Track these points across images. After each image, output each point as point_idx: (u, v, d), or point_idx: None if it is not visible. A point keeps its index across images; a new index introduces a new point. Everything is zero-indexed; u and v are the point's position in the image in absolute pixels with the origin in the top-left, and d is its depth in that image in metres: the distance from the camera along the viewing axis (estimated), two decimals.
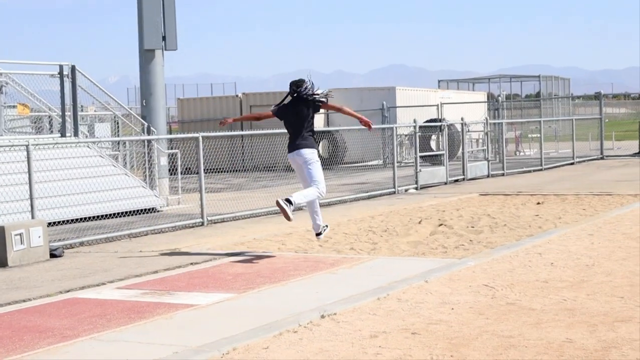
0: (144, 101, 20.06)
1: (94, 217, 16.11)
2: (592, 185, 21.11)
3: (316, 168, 11.89)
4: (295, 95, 11.83)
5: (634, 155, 33.02)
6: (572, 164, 30.25)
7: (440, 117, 32.55)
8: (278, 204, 11.42)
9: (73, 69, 18.25)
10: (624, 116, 67.05)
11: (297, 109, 11.81)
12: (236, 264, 11.28)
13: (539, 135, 30.78)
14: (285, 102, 11.99)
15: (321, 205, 18.20)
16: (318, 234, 12.26)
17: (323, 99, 11.84)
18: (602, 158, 32.61)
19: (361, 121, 12.20)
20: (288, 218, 11.44)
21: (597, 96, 35.73)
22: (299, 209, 16.62)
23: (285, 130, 12.13)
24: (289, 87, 11.95)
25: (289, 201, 11.39)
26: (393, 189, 21.23)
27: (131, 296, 9.39)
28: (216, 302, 8.83)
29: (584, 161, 31.42)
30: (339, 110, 12.47)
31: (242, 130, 32.90)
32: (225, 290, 9.45)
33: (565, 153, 33.88)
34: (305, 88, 11.78)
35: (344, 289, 9.21)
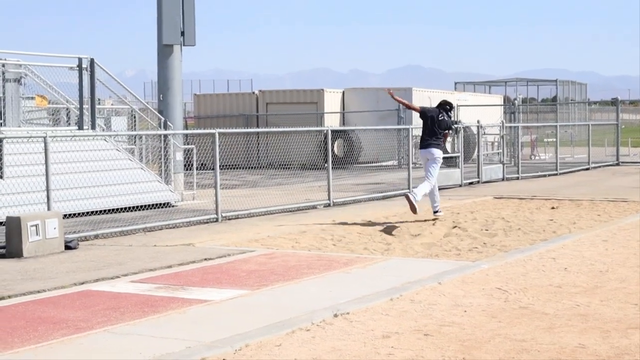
0: (161, 96, 20.13)
1: (109, 210, 16.18)
2: (607, 191, 21.07)
3: (436, 166, 15.44)
4: (441, 110, 15.68)
5: None
6: (587, 169, 30.17)
7: (456, 119, 32.50)
8: (407, 197, 15.02)
9: (92, 62, 18.32)
10: None
11: (439, 119, 15.54)
12: (250, 260, 11.31)
13: (554, 139, 30.71)
14: (432, 109, 16.03)
15: (335, 205, 18.28)
16: (435, 212, 15.53)
17: (451, 128, 16.12)
18: (617, 164, 32.52)
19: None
20: (414, 210, 14.97)
21: (614, 102, 35.62)
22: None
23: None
24: (444, 102, 16.03)
25: (411, 200, 14.91)
26: (408, 190, 21.22)
27: (145, 290, 9.43)
28: (229, 299, 8.86)
29: (599, 167, 31.33)
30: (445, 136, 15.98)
31: (257, 127, 32.97)
32: (239, 287, 9.48)
33: (580, 158, 33.80)
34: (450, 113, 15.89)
35: (357, 288, 9.23)
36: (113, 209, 16.23)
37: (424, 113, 15.76)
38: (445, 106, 15.84)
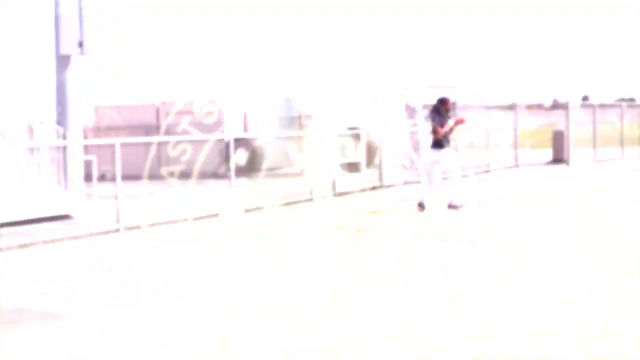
0: (60, 107, 19.74)
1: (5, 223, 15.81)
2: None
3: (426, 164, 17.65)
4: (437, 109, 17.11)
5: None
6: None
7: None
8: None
9: None
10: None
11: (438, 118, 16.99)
12: None
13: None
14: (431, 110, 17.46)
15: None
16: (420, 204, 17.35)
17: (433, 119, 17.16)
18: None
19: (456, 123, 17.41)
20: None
21: (512, 107, 36.24)
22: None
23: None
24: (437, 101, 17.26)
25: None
26: (310, 197, 21.26)
27: None
28: None
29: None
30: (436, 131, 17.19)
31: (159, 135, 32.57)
32: None
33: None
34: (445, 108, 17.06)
35: None
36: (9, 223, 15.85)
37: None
38: (436, 105, 17.21)
